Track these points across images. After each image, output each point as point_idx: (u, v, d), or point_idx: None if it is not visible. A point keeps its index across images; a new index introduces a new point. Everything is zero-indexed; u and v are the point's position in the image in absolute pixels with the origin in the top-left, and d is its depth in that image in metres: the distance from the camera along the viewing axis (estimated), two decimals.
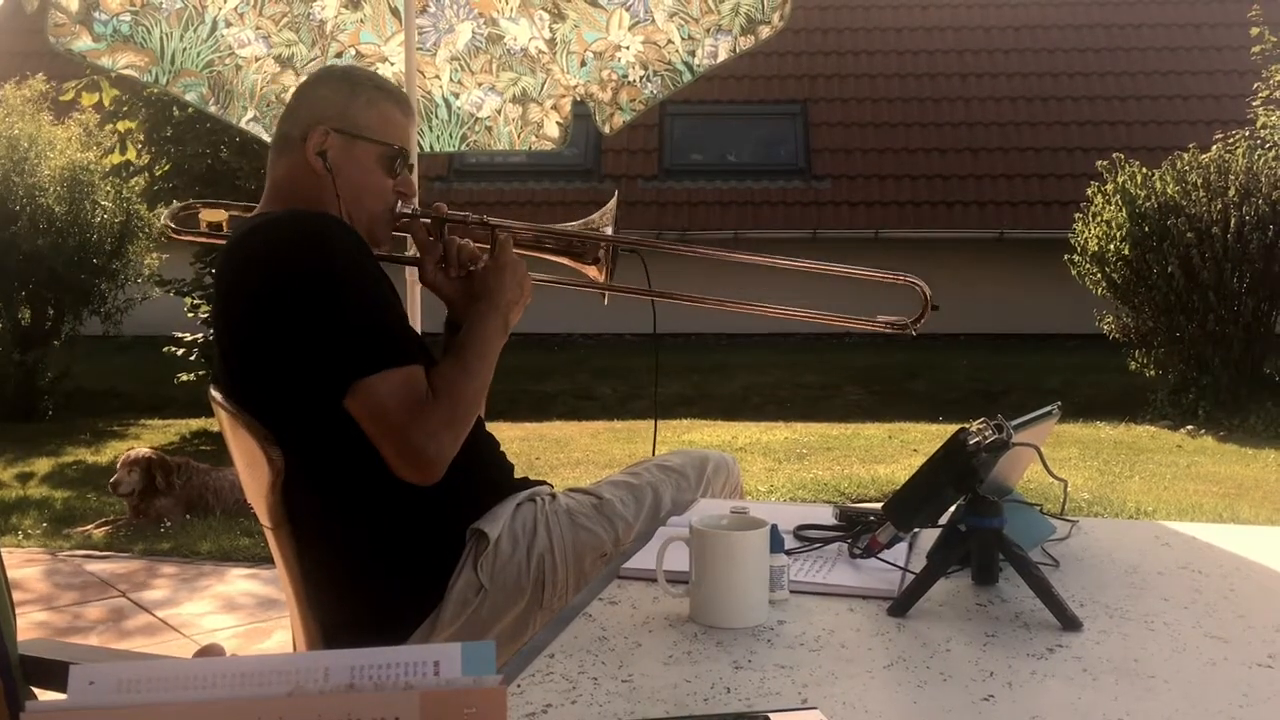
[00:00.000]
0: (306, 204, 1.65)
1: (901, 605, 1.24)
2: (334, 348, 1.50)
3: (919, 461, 1.32)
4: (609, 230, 1.85)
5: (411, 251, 1.80)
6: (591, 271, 1.87)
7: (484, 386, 1.61)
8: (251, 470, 1.61)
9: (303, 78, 2.67)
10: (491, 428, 1.78)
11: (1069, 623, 1.19)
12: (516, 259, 1.73)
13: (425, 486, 1.56)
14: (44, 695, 1.26)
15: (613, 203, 1.87)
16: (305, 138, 1.66)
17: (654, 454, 2.03)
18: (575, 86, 3.17)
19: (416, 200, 1.79)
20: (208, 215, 2.02)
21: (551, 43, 3.11)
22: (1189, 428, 7.01)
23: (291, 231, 1.56)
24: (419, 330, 2.32)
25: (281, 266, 1.53)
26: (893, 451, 6.41)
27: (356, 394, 1.49)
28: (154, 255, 8.59)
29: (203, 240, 2.07)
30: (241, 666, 0.55)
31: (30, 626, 3.52)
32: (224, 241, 1.90)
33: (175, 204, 2.15)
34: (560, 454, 6.43)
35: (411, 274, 2.60)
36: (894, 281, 1.89)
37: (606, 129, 3.17)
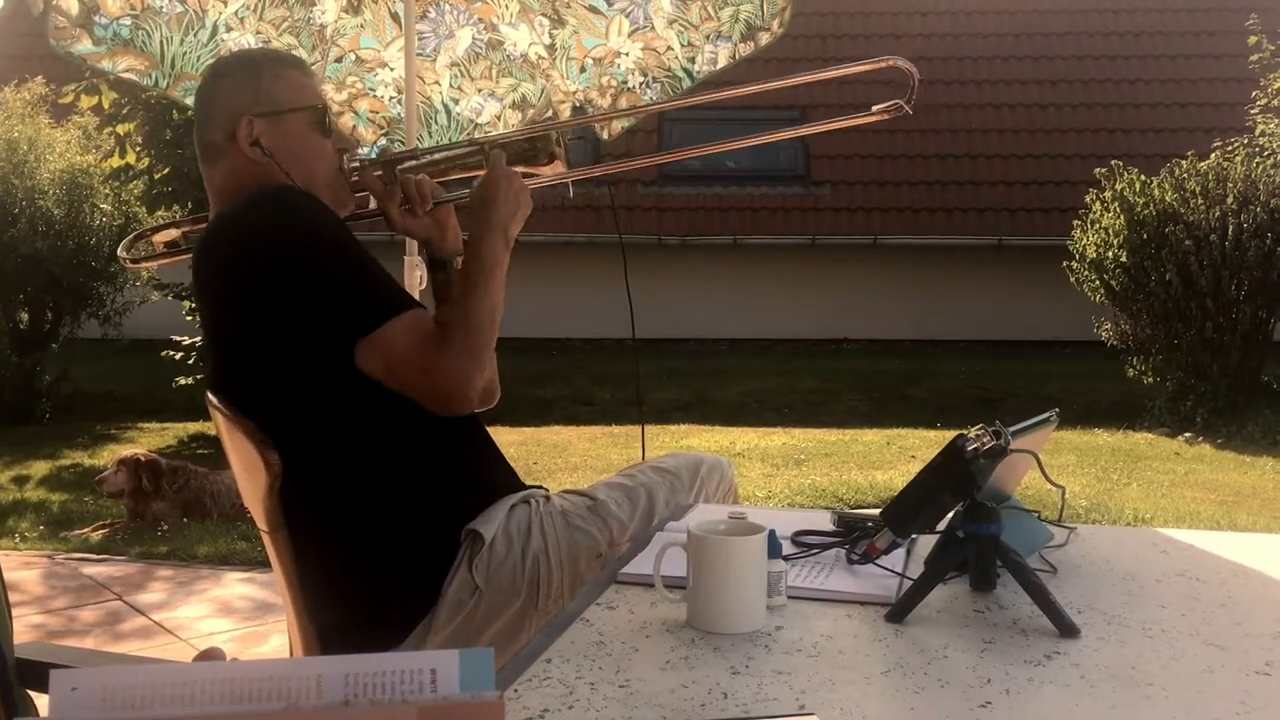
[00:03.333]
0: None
1: (899, 611, 1.24)
2: (332, 314, 1.50)
3: (917, 468, 1.32)
4: (553, 132, 1.83)
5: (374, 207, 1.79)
6: (547, 171, 1.85)
7: (496, 307, 1.60)
8: (249, 474, 1.61)
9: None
10: (488, 431, 1.78)
11: (1066, 629, 1.19)
12: (510, 171, 1.71)
13: (422, 487, 1.57)
14: (40, 698, 1.26)
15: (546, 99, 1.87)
16: (233, 135, 1.66)
17: (643, 455, 2.03)
18: (575, 92, 3.17)
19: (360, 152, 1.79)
20: (161, 238, 2.03)
21: (551, 49, 3.12)
22: (1187, 435, 7.01)
23: (259, 214, 1.56)
24: None
25: (259, 250, 1.53)
26: (891, 457, 6.41)
27: (366, 351, 1.50)
28: None
29: (164, 261, 2.08)
30: (231, 673, 0.53)
31: (26, 629, 3.51)
32: (187, 256, 1.90)
33: (125, 239, 2.17)
34: (558, 458, 6.42)
35: (414, 276, 2.60)
36: (880, 66, 1.89)
37: (605, 135, 3.17)
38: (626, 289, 1.93)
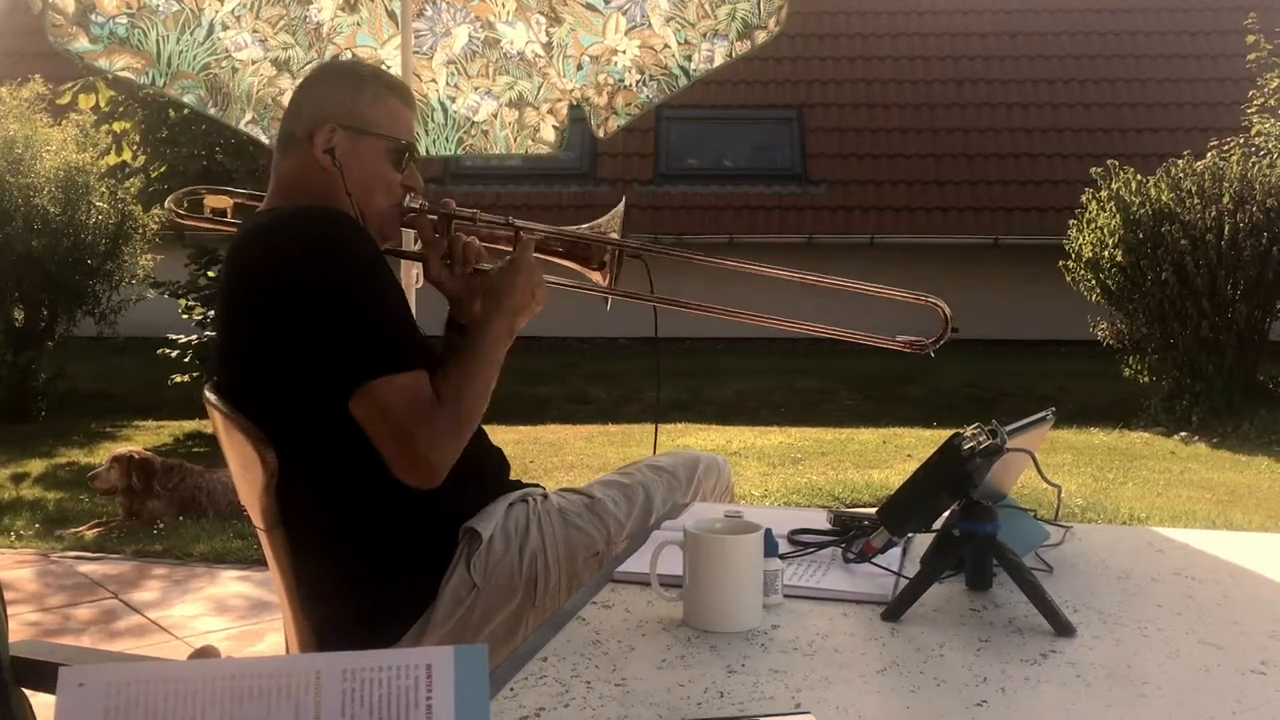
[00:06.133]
0: (316, 200, 1.63)
1: (895, 610, 1.24)
2: (341, 350, 1.49)
3: (913, 467, 1.32)
4: (615, 235, 1.84)
5: (417, 247, 1.79)
6: (595, 276, 1.87)
7: (487, 391, 1.59)
8: (245, 472, 1.61)
9: (299, 81, 2.68)
10: (485, 430, 1.78)
11: (1062, 628, 1.19)
12: (533, 263, 1.70)
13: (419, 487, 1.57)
14: (35, 697, 1.26)
15: (620, 207, 1.87)
16: (312, 136, 1.65)
17: (654, 450, 2.03)
18: (571, 91, 3.17)
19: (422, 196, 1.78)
20: (213, 201, 1.99)
21: (548, 47, 3.12)
22: (1182, 434, 7.02)
23: (303, 230, 1.54)
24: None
25: (292, 267, 1.51)
26: (887, 456, 6.42)
27: (362, 397, 1.48)
28: (148, 257, 8.56)
29: (206, 227, 2.04)
30: (232, 669, 0.54)
31: (21, 627, 3.51)
32: (230, 229, 1.89)
33: (176, 193, 2.13)
34: (554, 457, 6.42)
35: (410, 274, 2.61)
36: (915, 302, 1.90)
37: (601, 133, 3.17)
38: (652, 291, 1.94)
